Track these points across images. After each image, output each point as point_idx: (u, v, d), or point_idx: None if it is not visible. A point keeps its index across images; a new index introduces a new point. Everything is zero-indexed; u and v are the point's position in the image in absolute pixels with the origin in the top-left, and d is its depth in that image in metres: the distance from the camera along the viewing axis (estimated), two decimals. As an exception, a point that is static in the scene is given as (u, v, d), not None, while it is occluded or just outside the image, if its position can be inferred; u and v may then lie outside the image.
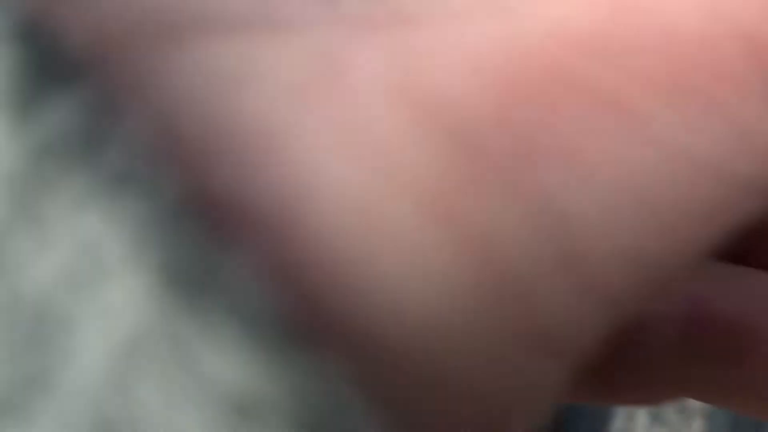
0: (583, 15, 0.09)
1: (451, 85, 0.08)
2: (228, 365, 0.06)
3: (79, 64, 0.07)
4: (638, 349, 0.15)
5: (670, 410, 0.45)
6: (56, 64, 0.07)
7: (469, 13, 0.09)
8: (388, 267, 0.08)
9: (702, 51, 0.09)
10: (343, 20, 0.09)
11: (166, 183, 0.07)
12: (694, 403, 0.44)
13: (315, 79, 0.08)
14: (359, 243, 0.08)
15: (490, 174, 0.08)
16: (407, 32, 0.08)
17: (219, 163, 0.08)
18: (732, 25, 0.09)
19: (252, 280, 0.07)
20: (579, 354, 0.09)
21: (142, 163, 0.07)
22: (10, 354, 0.06)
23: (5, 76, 0.07)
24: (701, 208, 0.09)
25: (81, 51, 0.07)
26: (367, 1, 0.09)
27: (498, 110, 0.08)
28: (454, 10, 0.09)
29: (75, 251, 0.06)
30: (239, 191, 0.07)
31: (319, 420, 0.06)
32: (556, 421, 0.47)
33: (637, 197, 0.09)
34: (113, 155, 0.07)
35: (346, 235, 0.08)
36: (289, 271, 0.07)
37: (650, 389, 0.16)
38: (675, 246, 0.09)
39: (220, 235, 0.07)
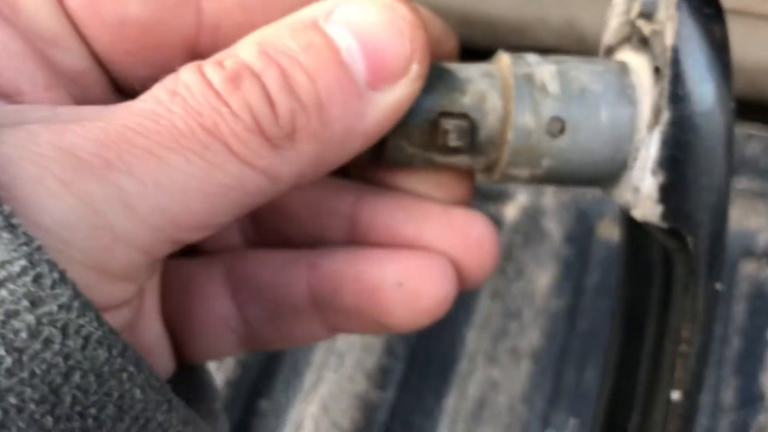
0: (135, 118, 0.21)
1: (71, 142, 0.20)
2: None
3: None
4: (285, 312, 0.28)
5: (502, 352, 0.49)
6: None
7: (80, 120, 0.20)
8: (46, 198, 0.19)
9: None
10: (47, 119, 0.21)
11: None
12: (523, 347, 0.49)
13: (29, 143, 0.20)
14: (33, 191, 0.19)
15: (88, 175, 0.19)
16: (60, 126, 0.20)
17: None
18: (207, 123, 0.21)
19: None
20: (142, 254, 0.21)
21: None
22: None
23: None
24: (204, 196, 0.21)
25: None
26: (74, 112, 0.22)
27: (93, 151, 0.20)
28: (78, 117, 0.21)
29: None
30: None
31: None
32: (410, 362, 0.50)
33: (169, 194, 0.21)
34: None
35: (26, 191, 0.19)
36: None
37: (302, 333, 0.30)
38: (193, 212, 0.21)
39: None
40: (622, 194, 0.27)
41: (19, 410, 0.17)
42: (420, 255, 0.28)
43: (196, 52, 0.26)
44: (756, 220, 0.54)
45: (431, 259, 0.27)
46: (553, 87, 0.25)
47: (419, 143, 0.25)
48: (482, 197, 0.57)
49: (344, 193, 0.28)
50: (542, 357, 0.50)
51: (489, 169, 0.27)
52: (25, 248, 0.17)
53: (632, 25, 0.27)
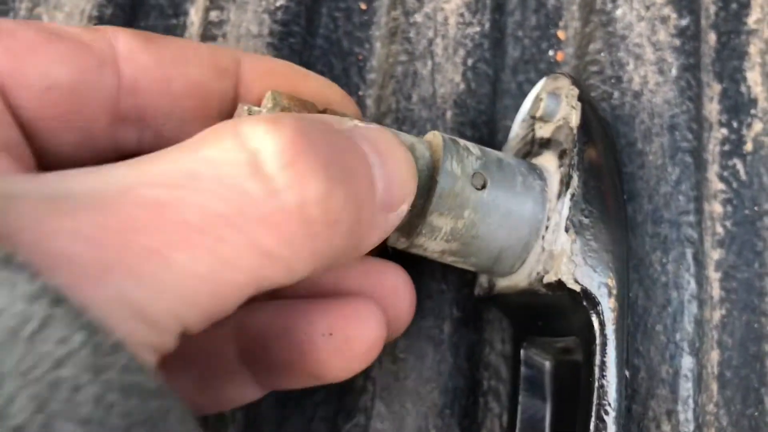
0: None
1: (65, 246, 0.18)
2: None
3: None
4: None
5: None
6: None
7: (75, 203, 0.19)
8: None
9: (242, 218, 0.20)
10: None
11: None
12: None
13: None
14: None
15: (86, 282, 0.18)
16: (53, 219, 0.19)
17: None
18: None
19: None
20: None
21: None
22: None
23: None
24: (239, 276, 0.20)
25: None
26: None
27: (91, 254, 0.18)
28: (69, 193, 0.19)
29: None
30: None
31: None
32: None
33: (176, 296, 0.19)
34: None
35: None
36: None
37: (234, 396, 0.30)
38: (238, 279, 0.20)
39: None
40: (534, 267, 0.29)
41: None
42: (347, 302, 0.28)
43: (118, 113, 0.27)
44: None
45: (358, 305, 0.28)
46: (475, 150, 0.29)
47: None
48: None
49: None
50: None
51: (412, 220, 0.28)
52: (81, 320, 0.17)
53: (531, 142, 0.32)
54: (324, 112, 0.27)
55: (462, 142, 0.29)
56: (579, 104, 0.30)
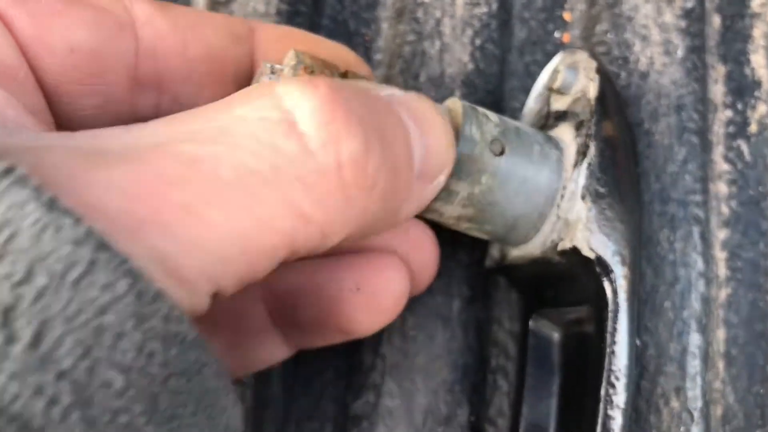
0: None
1: (100, 198, 0.18)
2: None
3: None
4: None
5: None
6: None
7: (106, 158, 0.18)
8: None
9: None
10: None
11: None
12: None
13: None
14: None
15: (123, 236, 0.17)
16: (87, 173, 0.18)
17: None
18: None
19: None
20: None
21: None
22: None
23: None
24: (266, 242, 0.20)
25: None
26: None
27: (125, 208, 0.18)
28: (100, 150, 0.19)
29: None
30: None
31: None
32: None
33: (208, 255, 0.19)
34: None
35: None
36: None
37: (264, 357, 0.31)
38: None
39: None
40: (548, 235, 0.29)
41: (128, 426, 0.17)
42: (372, 258, 0.28)
43: (137, 77, 0.27)
44: None
45: (384, 260, 0.28)
46: (494, 118, 0.29)
47: None
48: None
49: None
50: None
51: None
52: (125, 267, 0.16)
53: (546, 116, 0.32)
54: (345, 74, 0.28)
55: (481, 109, 0.29)
56: (597, 76, 0.30)
